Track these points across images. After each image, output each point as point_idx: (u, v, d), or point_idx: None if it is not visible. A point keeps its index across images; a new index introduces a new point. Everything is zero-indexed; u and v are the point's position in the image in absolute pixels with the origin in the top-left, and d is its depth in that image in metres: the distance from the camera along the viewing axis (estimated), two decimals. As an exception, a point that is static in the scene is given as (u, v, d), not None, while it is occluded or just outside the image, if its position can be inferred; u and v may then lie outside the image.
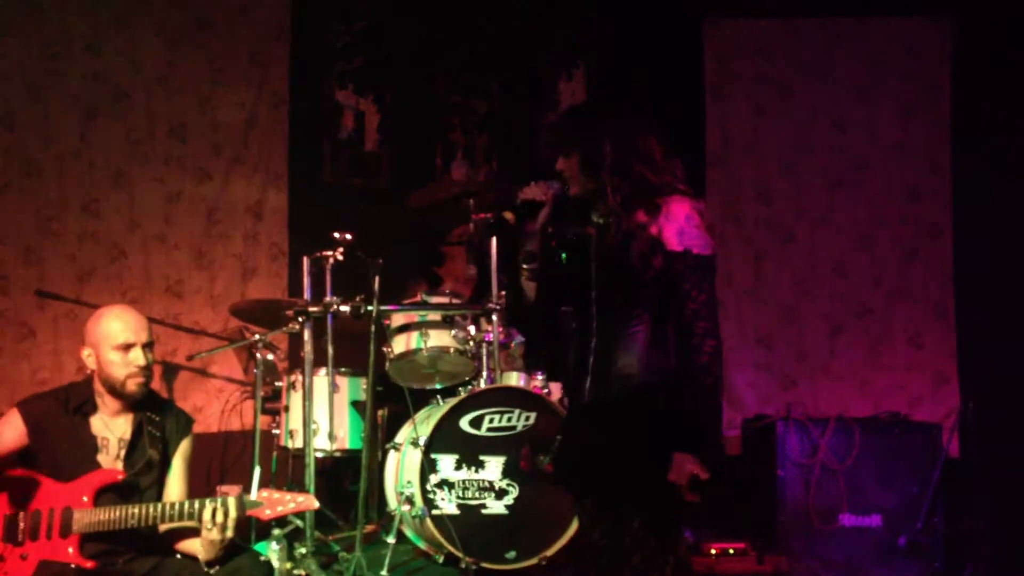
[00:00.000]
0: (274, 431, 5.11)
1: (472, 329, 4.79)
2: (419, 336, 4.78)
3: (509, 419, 4.40)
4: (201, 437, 5.60)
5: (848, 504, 5.03)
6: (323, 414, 4.80)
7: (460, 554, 4.19)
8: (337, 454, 4.87)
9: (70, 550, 3.31)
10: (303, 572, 4.09)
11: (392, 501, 4.55)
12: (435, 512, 4.26)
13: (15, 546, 3.33)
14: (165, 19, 5.83)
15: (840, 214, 6.30)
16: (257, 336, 4.94)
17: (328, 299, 4.50)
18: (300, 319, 4.54)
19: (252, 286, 5.90)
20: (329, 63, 6.31)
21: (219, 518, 3.26)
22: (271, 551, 3.93)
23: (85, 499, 3.36)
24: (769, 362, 6.22)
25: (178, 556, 3.46)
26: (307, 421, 4.50)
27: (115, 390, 3.50)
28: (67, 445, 3.45)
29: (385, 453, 4.75)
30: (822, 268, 6.28)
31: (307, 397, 4.50)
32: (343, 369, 4.94)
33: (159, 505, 3.36)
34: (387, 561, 4.17)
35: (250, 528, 4.66)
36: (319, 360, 4.70)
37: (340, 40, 6.32)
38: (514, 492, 4.35)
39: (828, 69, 6.37)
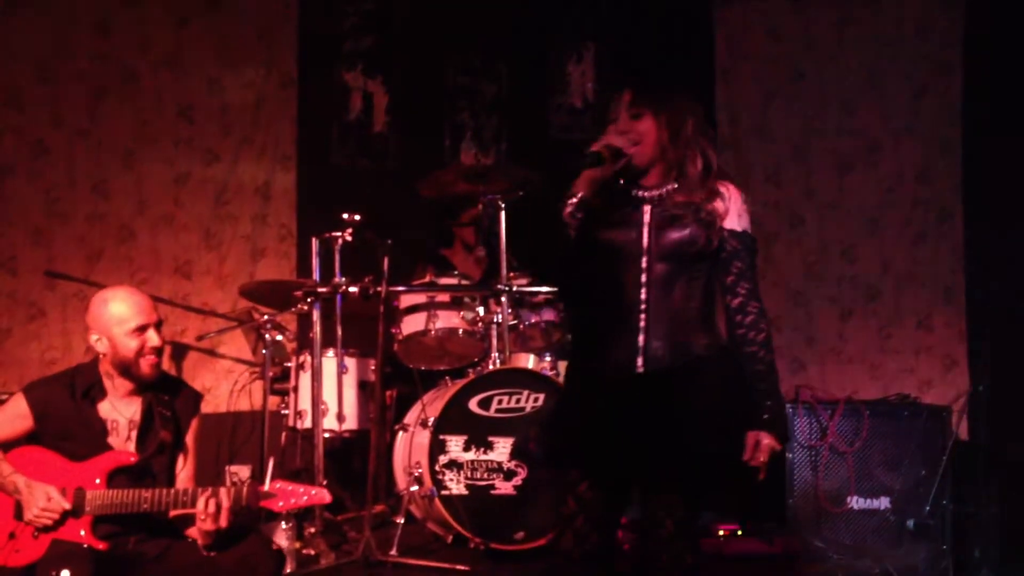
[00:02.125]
0: (283, 412, 5.12)
1: (481, 310, 4.78)
2: (428, 317, 4.78)
3: (518, 400, 4.40)
4: (210, 417, 5.64)
5: (857, 487, 5.02)
6: (332, 395, 4.80)
7: (469, 534, 4.19)
8: (346, 435, 4.88)
9: (82, 532, 3.33)
10: (312, 552, 4.10)
11: (401, 482, 4.56)
12: (444, 493, 4.26)
13: (27, 524, 3.34)
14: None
15: (850, 197, 6.28)
16: (266, 317, 4.95)
17: (337, 280, 4.50)
18: (309, 300, 4.54)
19: (261, 267, 5.90)
20: (337, 44, 6.29)
21: (211, 508, 3.26)
22: (280, 531, 3.96)
23: (98, 480, 3.38)
24: (778, 345, 6.15)
25: (188, 540, 3.46)
26: (316, 402, 4.50)
27: (129, 372, 3.49)
28: (76, 429, 3.45)
29: (394, 434, 4.75)
30: (831, 251, 6.27)
31: (316, 378, 4.50)
32: (352, 350, 4.94)
33: (170, 491, 3.37)
34: (396, 541, 4.17)
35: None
36: (328, 341, 4.70)
37: (348, 21, 6.30)
38: (523, 473, 4.35)
39: (838, 51, 6.34)
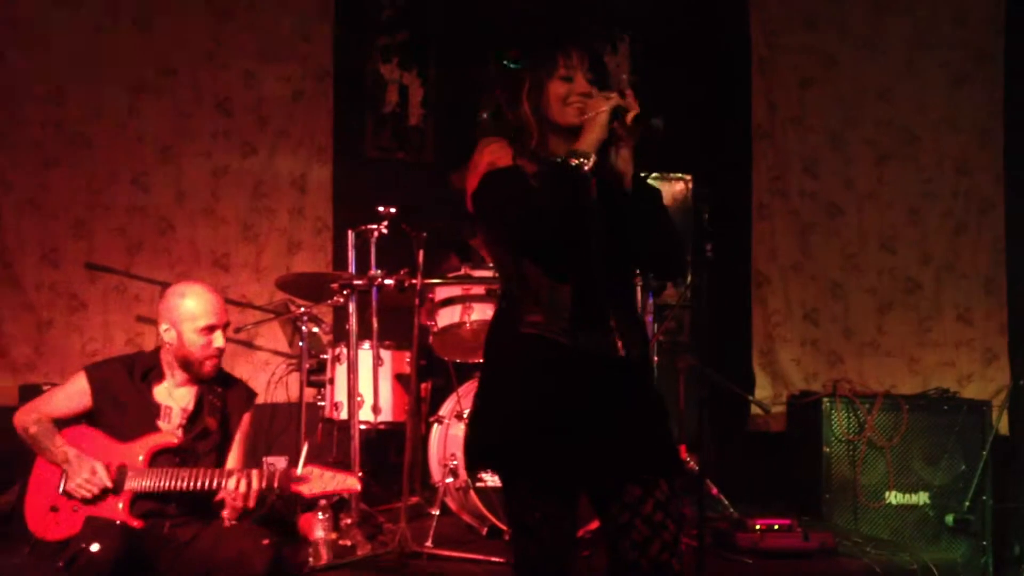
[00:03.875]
0: (319, 403, 5.15)
1: (516, 303, 4.77)
2: (463, 309, 4.79)
3: (553, 393, 4.39)
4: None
5: (895, 481, 5.00)
6: (367, 387, 4.82)
7: (504, 527, 4.20)
8: (381, 427, 4.90)
9: (120, 506, 3.40)
10: (348, 543, 4.13)
11: (436, 474, 4.58)
12: (479, 485, 4.28)
13: (68, 499, 3.43)
14: (211, -6, 5.89)
15: (889, 188, 6.22)
16: (302, 309, 4.98)
17: (372, 272, 4.52)
18: (345, 292, 4.56)
19: (297, 259, 5.94)
20: (373, 37, 6.31)
21: (241, 488, 3.34)
22: (317, 521, 3.99)
23: (141, 459, 3.46)
24: (815, 338, 6.16)
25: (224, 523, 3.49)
26: (351, 394, 4.52)
27: (189, 367, 3.60)
28: (129, 408, 3.55)
29: (429, 426, 4.77)
30: (870, 243, 6.20)
31: (351, 370, 4.52)
32: (387, 342, 4.96)
33: (206, 471, 3.42)
34: (432, 533, 4.19)
35: (295, 496, 4.71)
36: (363, 333, 4.72)
37: (384, 14, 6.32)
38: (557, 466, 4.35)
39: (875, 39, 6.27)
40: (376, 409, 4.82)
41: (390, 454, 5.37)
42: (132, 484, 3.43)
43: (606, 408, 2.52)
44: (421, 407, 5.00)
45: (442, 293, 4.85)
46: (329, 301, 4.80)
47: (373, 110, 6.30)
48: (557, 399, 2.50)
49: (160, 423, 3.56)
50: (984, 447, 5.04)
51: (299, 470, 3.39)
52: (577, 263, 2.54)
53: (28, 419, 3.55)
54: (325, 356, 5.13)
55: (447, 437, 4.49)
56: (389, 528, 4.33)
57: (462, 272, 4.88)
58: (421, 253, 4.38)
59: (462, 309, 4.80)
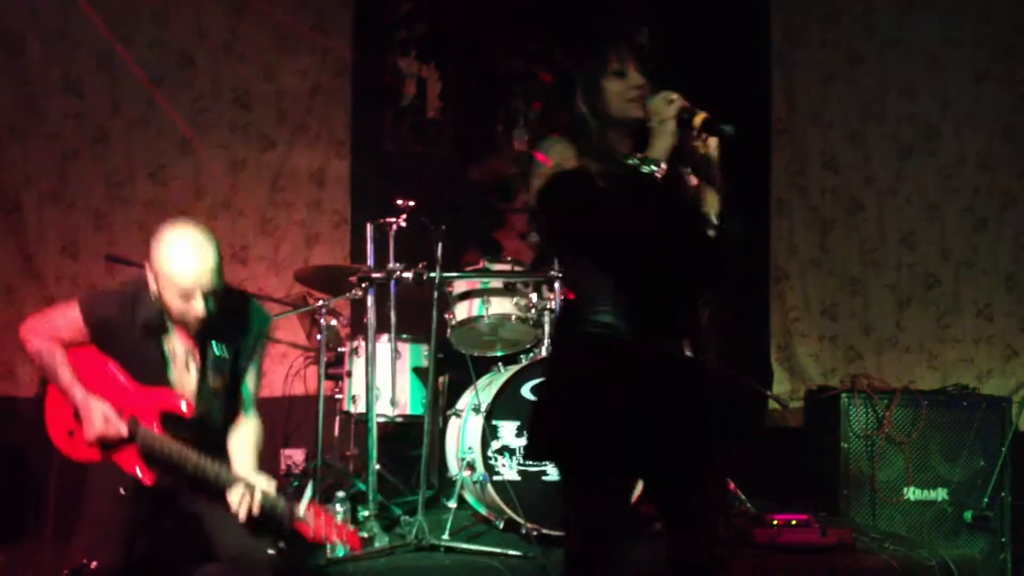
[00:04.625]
0: (337, 396, 5.17)
1: (534, 296, 4.78)
2: (481, 303, 4.79)
3: (570, 387, 4.39)
4: (265, 401, 5.68)
5: (913, 477, 4.97)
6: (385, 380, 4.84)
7: (521, 520, 4.21)
8: (399, 420, 4.91)
9: (137, 467, 3.20)
10: (366, 535, 4.14)
11: (453, 467, 4.58)
12: (496, 478, 4.28)
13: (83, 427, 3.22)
14: (230, -13, 5.90)
15: (909, 183, 6.20)
16: (320, 302, 4.99)
17: (391, 266, 4.52)
18: (363, 285, 4.57)
19: (315, 253, 5.95)
20: (391, 31, 6.31)
21: (245, 502, 3.07)
22: (335, 512, 4.00)
23: (154, 423, 3.21)
24: (834, 333, 6.15)
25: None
26: (369, 387, 4.53)
27: (176, 321, 3.21)
28: (135, 356, 3.23)
29: (446, 419, 4.78)
30: (890, 239, 6.18)
31: (369, 363, 4.53)
32: (405, 336, 4.96)
33: (212, 465, 3.12)
34: (448, 525, 4.20)
35: (314, 491, 4.72)
36: (382, 326, 4.73)
37: (403, 8, 6.31)
38: (575, 459, 4.35)
39: (898, 35, 6.25)
40: (394, 402, 4.84)
41: (407, 447, 5.37)
42: (143, 443, 3.17)
43: (666, 407, 2.56)
44: (439, 400, 5.00)
45: (460, 286, 4.85)
46: (347, 294, 4.81)
47: (391, 103, 6.30)
48: (619, 398, 2.54)
49: (170, 372, 3.23)
50: (1003, 443, 5.01)
51: (301, 511, 3.08)
52: (645, 265, 2.55)
53: (35, 342, 3.26)
54: (343, 349, 5.14)
55: (464, 430, 4.49)
56: (406, 520, 4.34)
57: (480, 266, 4.88)
58: (440, 246, 4.38)
59: (480, 302, 4.80)
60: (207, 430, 3.26)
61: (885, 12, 6.26)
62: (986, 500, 4.99)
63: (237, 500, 3.07)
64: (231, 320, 3.27)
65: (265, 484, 3.12)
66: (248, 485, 3.09)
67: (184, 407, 3.20)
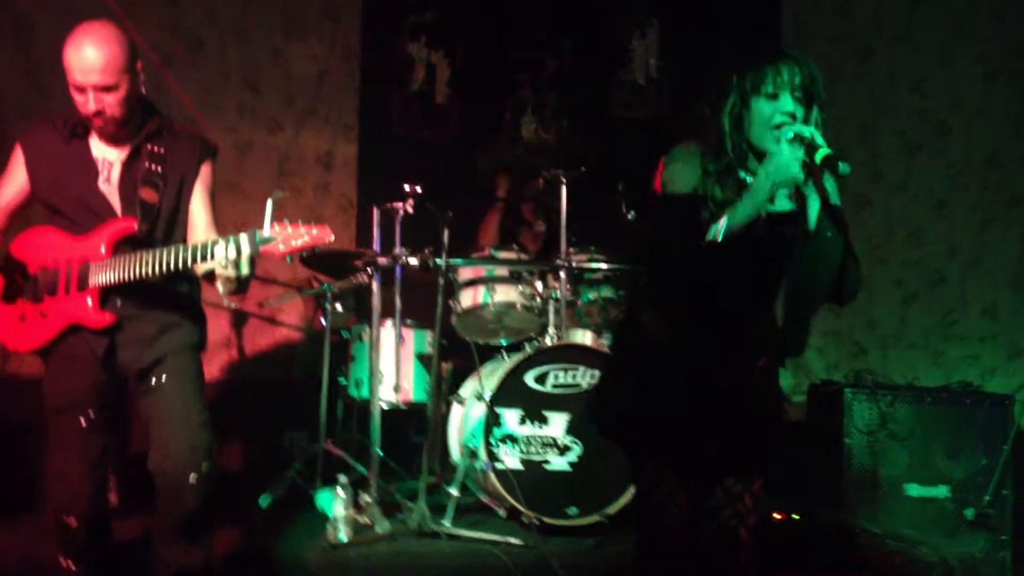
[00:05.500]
0: (340, 380, 5.16)
1: (539, 285, 4.77)
2: (486, 291, 4.78)
3: (574, 376, 4.40)
4: (268, 382, 5.72)
5: (915, 474, 4.96)
6: (389, 365, 4.84)
7: (522, 508, 4.21)
8: (402, 406, 4.91)
9: (89, 301, 3.07)
10: (367, 521, 4.14)
11: (456, 454, 4.58)
12: (498, 466, 4.28)
13: (35, 303, 3.13)
14: (240, -31, 5.89)
15: (917, 180, 6.19)
16: (326, 286, 4.98)
17: (397, 251, 4.52)
18: (368, 270, 4.56)
19: (321, 237, 5.94)
20: (401, 16, 6.30)
21: (231, 255, 2.92)
22: (336, 498, 4.00)
23: (103, 250, 3.07)
24: (838, 328, 6.14)
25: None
26: (373, 371, 4.53)
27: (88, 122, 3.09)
28: (66, 171, 3.12)
29: (449, 406, 4.77)
30: (897, 235, 6.18)
31: (373, 348, 4.53)
32: (409, 321, 4.96)
33: (171, 249, 2.99)
34: (450, 512, 4.20)
35: (316, 476, 4.73)
36: (386, 311, 4.73)
37: (413, -8, 6.31)
38: (577, 449, 4.35)
39: (909, 31, 6.23)
40: (397, 388, 4.83)
41: (410, 433, 5.38)
42: (96, 278, 3.04)
43: (717, 412, 2.62)
44: (442, 387, 5.00)
45: (466, 273, 4.84)
46: (352, 278, 4.80)
47: (400, 88, 6.29)
48: (675, 399, 2.62)
49: (100, 183, 3.11)
50: (1006, 441, 4.99)
51: (265, 231, 2.94)
52: (725, 293, 2.57)
53: None
54: (347, 333, 5.13)
55: (467, 418, 4.49)
56: (408, 506, 4.34)
57: (486, 253, 4.87)
58: (446, 232, 4.37)
59: (486, 290, 4.79)
60: (155, 247, 3.09)
61: (895, 7, 6.25)
62: (988, 498, 4.98)
63: (223, 252, 2.92)
64: (171, 144, 3.19)
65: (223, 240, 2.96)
66: (229, 239, 2.95)
67: (129, 224, 3.08)
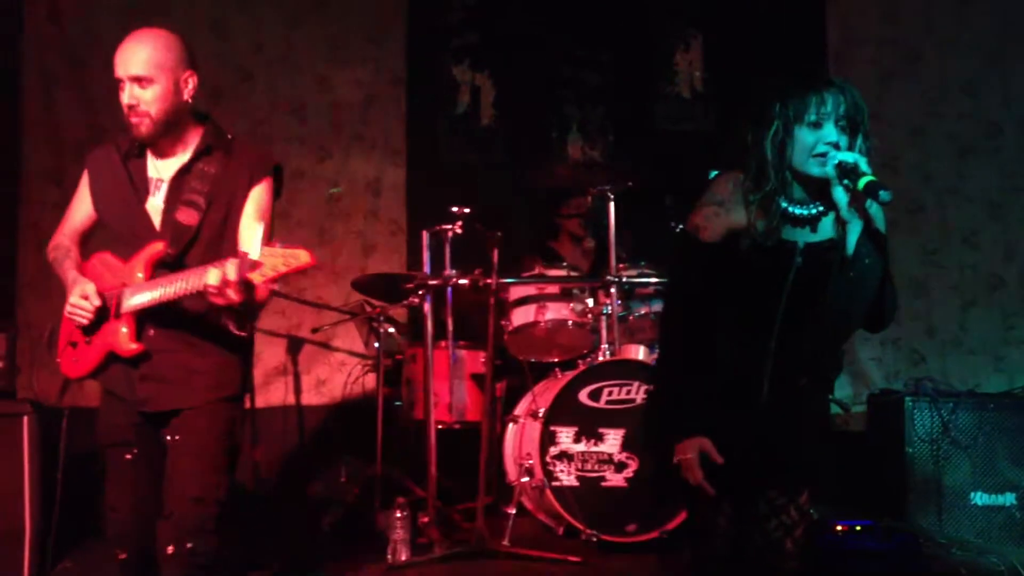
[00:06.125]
0: (395, 403, 5.19)
1: (590, 302, 4.77)
2: (537, 309, 4.79)
3: (628, 392, 4.38)
4: (325, 408, 5.76)
5: (980, 482, 4.87)
6: (443, 386, 4.86)
7: (581, 526, 4.20)
8: (457, 426, 4.92)
9: (124, 329, 2.96)
10: (426, 540, 4.16)
11: (512, 473, 4.59)
12: (555, 484, 4.27)
13: (82, 332, 3.06)
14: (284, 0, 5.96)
15: (970, 182, 6.10)
16: (378, 310, 5.02)
17: (447, 272, 4.54)
18: (420, 292, 4.59)
19: (372, 261, 5.99)
20: (445, 40, 6.35)
21: (215, 279, 2.69)
22: (394, 520, 4.02)
23: (140, 275, 2.96)
24: (895, 336, 6.05)
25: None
26: (427, 393, 4.55)
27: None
28: (120, 191, 3.06)
29: (504, 425, 4.78)
30: (952, 239, 6.08)
31: (427, 370, 4.55)
32: (462, 342, 4.98)
33: (190, 271, 2.83)
34: (508, 532, 4.19)
35: (374, 498, 4.74)
36: (439, 333, 4.75)
37: (455, 16, 6.34)
38: (633, 465, 4.34)
39: (958, 32, 6.15)
40: (452, 409, 4.85)
41: (465, 453, 5.38)
42: (128, 303, 2.93)
43: (758, 429, 2.64)
44: (496, 406, 5.01)
45: (516, 292, 4.86)
46: (404, 301, 4.84)
47: (446, 112, 6.33)
48: (718, 416, 2.63)
49: (149, 203, 3.01)
50: (1071, 446, 4.90)
51: (255, 255, 2.67)
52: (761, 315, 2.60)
53: (52, 242, 3.14)
54: (401, 356, 5.16)
55: (522, 436, 4.49)
56: (466, 527, 4.35)
57: (536, 271, 4.88)
58: (495, 252, 4.39)
59: (536, 308, 4.81)
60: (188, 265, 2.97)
61: (944, 9, 6.17)
62: (1056, 505, 4.88)
63: (213, 278, 2.70)
64: (225, 163, 3.04)
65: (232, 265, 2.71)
66: (219, 261, 2.74)
67: (160, 247, 2.97)
